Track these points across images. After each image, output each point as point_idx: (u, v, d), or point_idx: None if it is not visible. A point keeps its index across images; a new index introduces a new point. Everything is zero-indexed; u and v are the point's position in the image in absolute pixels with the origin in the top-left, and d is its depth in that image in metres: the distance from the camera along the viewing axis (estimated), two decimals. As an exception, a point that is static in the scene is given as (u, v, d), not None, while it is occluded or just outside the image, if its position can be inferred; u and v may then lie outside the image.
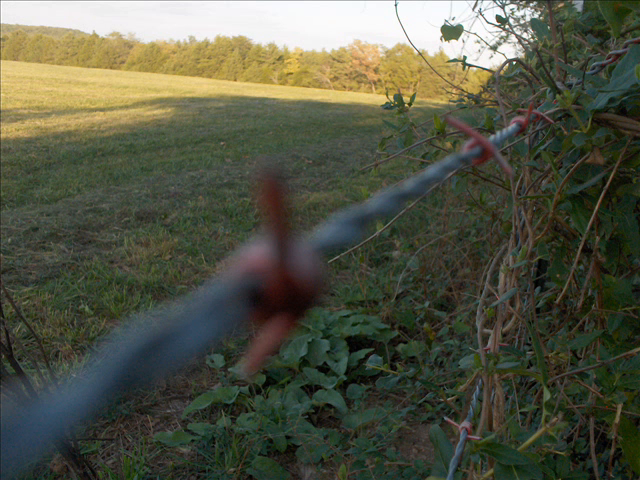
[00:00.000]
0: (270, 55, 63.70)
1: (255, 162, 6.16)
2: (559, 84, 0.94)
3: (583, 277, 1.09)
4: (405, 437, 1.76)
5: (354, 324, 2.31)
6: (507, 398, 1.28)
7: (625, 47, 0.90)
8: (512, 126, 0.67)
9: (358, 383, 2.03)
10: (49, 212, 3.72)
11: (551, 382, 0.87)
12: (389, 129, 1.23)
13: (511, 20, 4.75)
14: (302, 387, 1.93)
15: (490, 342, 0.93)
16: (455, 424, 0.78)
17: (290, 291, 0.18)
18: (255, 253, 0.18)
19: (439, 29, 1.22)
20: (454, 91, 1.75)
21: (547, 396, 0.73)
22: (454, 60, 1.25)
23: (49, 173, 4.90)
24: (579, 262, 1.09)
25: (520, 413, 1.18)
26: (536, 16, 4.55)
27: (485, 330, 0.96)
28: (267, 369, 1.99)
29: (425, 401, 1.87)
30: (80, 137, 6.97)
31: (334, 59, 59.88)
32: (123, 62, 69.51)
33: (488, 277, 1.10)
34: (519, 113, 0.85)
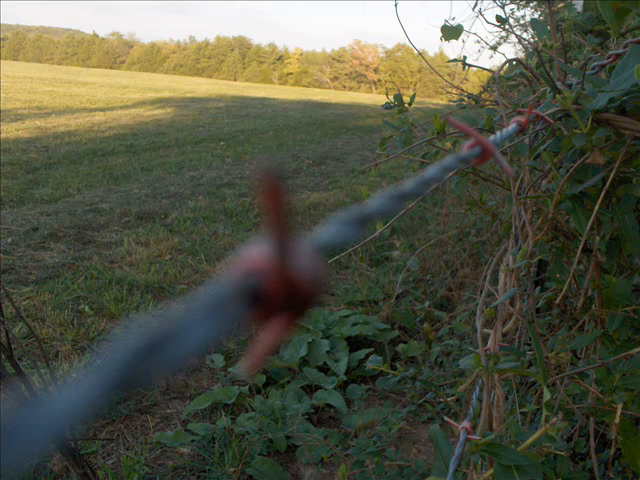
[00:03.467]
0: (270, 55, 63.72)
1: (255, 162, 6.16)
2: (559, 84, 0.94)
3: (583, 277, 1.09)
4: (405, 437, 1.76)
5: (354, 324, 2.31)
6: (507, 398, 1.28)
7: (625, 47, 0.90)
8: (512, 126, 0.67)
9: (358, 383, 2.03)
10: (49, 212, 3.72)
11: (551, 382, 0.87)
12: (389, 129, 1.23)
13: (511, 20, 4.75)
14: (302, 387, 1.93)
15: (490, 342, 0.93)
16: (455, 424, 0.78)
17: (290, 291, 0.18)
18: (255, 253, 0.18)
19: (439, 29, 1.22)
20: (454, 91, 1.75)
21: (547, 396, 0.73)
22: (454, 60, 1.25)
23: (49, 173, 4.90)
24: (579, 262, 1.09)
25: (520, 413, 1.18)
26: (536, 16, 4.55)
27: (485, 330, 0.96)
28: (267, 369, 1.99)
29: (425, 401, 1.87)
30: (80, 137, 6.97)
31: (334, 59, 59.89)
32: (123, 62, 69.54)
33: (488, 277, 1.10)
34: (519, 113, 0.85)
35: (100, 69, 52.68)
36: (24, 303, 2.39)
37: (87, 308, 2.41)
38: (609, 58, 0.95)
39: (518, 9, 4.97)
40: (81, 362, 2.01)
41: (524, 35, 4.83)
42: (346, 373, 2.02)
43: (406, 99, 1.24)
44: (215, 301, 0.17)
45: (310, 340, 2.11)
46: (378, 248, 3.38)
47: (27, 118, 8.26)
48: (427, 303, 2.41)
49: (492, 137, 0.53)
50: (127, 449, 1.62)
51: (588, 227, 0.88)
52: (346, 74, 58.72)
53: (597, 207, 0.87)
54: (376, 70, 57.73)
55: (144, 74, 45.86)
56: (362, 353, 2.13)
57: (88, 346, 2.13)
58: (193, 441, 1.65)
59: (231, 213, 4.05)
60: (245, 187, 4.89)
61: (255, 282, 0.18)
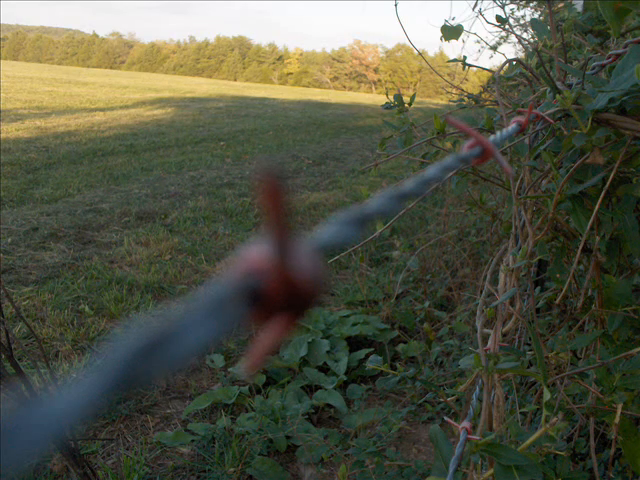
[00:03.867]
0: (270, 55, 63.74)
1: (255, 162, 6.16)
2: (559, 84, 0.94)
3: (583, 277, 1.09)
4: (405, 437, 1.76)
5: (354, 324, 2.31)
6: (507, 398, 1.28)
7: (625, 47, 0.90)
8: (512, 126, 0.67)
9: (358, 383, 2.03)
10: (49, 212, 3.72)
11: (551, 382, 0.87)
12: (389, 129, 1.23)
13: (511, 20, 4.75)
14: (302, 387, 1.93)
15: (490, 342, 0.93)
16: (455, 424, 0.78)
17: (290, 291, 0.18)
18: (255, 253, 0.18)
19: (439, 29, 1.22)
20: (454, 91, 1.75)
21: (547, 396, 0.73)
22: (454, 60, 1.25)
23: (49, 173, 4.90)
24: (579, 262, 1.09)
25: (520, 413, 1.18)
26: (536, 16, 4.55)
27: (485, 330, 0.96)
28: (267, 369, 1.99)
29: (425, 401, 1.87)
30: (80, 137, 6.96)
31: (334, 59, 59.91)
32: (123, 62, 69.56)
33: (488, 277, 1.10)
34: (519, 113, 0.85)
35: (100, 69, 52.70)
36: (24, 303, 2.39)
37: (87, 308, 2.41)
38: (609, 58, 0.95)
39: (518, 9, 4.97)
40: (81, 362, 2.01)
41: (524, 35, 4.83)
42: (346, 373, 2.02)
43: (406, 99, 1.24)
44: (215, 301, 0.17)
45: (310, 340, 2.11)
46: (378, 248, 3.38)
47: (27, 118, 8.26)
48: (427, 303, 2.41)
49: (492, 137, 0.53)
50: (127, 449, 1.62)
51: (588, 227, 0.88)
52: (346, 74, 58.74)
53: (597, 207, 0.87)
54: (376, 70, 57.75)
55: (144, 74, 45.88)
56: (362, 353, 2.13)
57: (88, 346, 2.13)
58: (193, 441, 1.65)
59: (231, 213, 4.05)
60: (245, 187, 4.89)
61: (255, 282, 0.18)
